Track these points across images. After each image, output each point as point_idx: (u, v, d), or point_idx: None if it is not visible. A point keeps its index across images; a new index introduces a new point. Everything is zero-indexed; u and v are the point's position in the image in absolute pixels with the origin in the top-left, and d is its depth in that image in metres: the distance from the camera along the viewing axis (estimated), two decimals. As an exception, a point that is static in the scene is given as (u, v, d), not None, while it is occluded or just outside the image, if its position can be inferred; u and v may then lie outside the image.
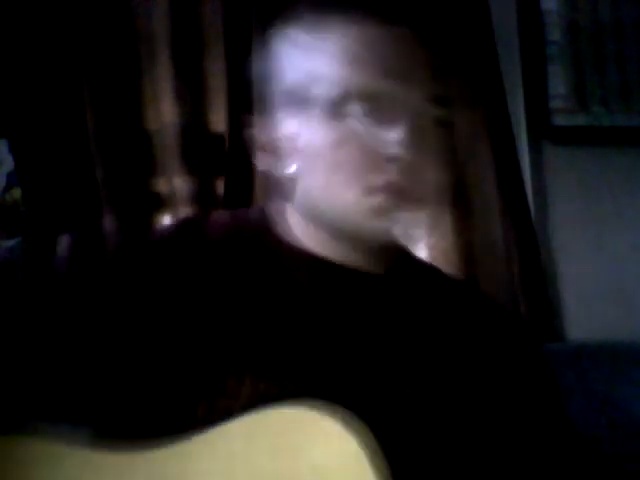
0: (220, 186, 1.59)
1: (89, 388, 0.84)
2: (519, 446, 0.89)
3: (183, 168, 1.57)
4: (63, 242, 0.88)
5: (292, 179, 0.88)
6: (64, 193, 1.48)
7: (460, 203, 1.76)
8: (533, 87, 1.88)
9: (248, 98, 1.57)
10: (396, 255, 0.92)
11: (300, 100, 0.84)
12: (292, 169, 0.87)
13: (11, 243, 1.44)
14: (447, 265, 1.72)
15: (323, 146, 0.82)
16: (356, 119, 0.81)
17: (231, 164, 1.57)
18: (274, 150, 0.88)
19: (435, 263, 1.71)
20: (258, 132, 0.90)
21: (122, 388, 0.84)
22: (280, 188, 0.91)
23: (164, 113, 1.57)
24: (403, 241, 1.48)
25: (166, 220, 1.59)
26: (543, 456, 0.90)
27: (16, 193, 1.45)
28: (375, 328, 0.87)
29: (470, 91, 1.75)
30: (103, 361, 0.84)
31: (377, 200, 0.81)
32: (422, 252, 1.76)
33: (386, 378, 0.84)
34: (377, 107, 0.81)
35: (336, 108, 0.81)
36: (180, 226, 0.96)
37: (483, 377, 0.89)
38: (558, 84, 1.90)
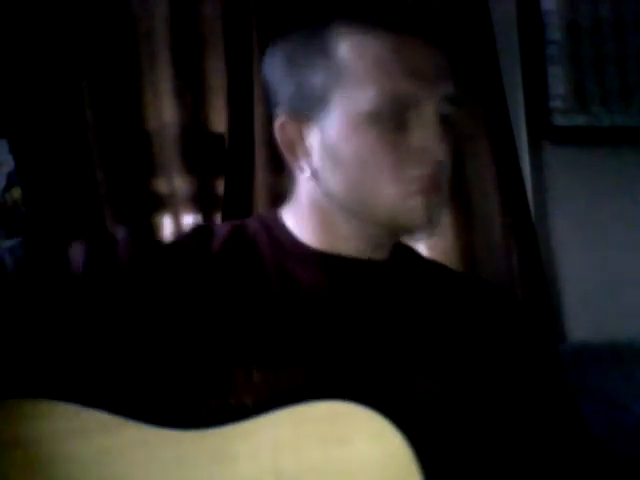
0: (220, 186, 1.60)
1: (100, 395, 0.85)
2: (534, 432, 0.91)
3: (183, 168, 1.57)
4: (76, 248, 0.89)
5: (310, 179, 0.89)
6: (64, 193, 1.48)
7: (460, 203, 1.76)
8: (533, 87, 1.88)
9: (249, 99, 1.58)
10: (396, 245, 0.95)
11: (321, 106, 0.86)
12: (307, 172, 0.89)
13: (11, 243, 1.44)
14: (447, 265, 1.72)
15: (359, 148, 0.85)
16: (389, 121, 0.84)
17: (231, 164, 1.57)
18: (292, 152, 0.90)
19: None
20: (277, 134, 0.91)
21: (134, 390, 0.84)
22: (288, 190, 0.94)
23: (164, 113, 1.57)
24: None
25: (166, 220, 1.59)
26: (555, 443, 0.92)
27: (16, 193, 1.45)
28: (384, 318, 0.89)
29: (470, 91, 1.75)
30: (115, 363, 0.85)
31: (418, 199, 0.85)
32: (422, 252, 1.76)
33: (399, 370, 0.85)
34: (406, 107, 0.84)
35: (366, 112, 0.84)
36: (191, 234, 0.97)
37: (496, 365, 0.90)
38: (558, 84, 1.90)
